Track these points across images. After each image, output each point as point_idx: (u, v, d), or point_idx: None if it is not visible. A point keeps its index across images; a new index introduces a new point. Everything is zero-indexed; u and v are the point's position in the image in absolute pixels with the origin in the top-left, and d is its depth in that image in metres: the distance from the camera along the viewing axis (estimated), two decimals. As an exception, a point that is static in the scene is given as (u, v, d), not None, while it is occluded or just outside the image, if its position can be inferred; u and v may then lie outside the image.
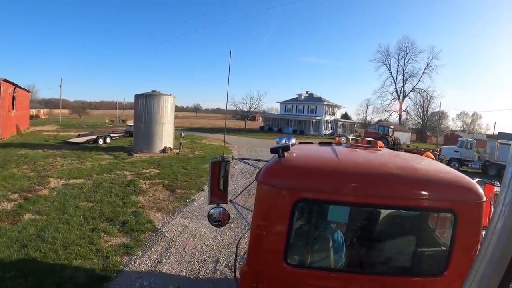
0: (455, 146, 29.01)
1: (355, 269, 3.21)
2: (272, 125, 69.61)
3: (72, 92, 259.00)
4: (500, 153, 25.04)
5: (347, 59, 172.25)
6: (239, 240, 4.80)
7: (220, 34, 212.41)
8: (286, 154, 3.07)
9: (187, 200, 11.83)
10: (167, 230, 9.12)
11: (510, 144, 23.61)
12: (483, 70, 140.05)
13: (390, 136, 45.13)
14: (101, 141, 26.98)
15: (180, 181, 14.45)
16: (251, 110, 76.05)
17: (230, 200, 4.00)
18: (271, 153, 3.12)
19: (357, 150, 3.88)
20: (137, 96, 23.75)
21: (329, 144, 4.26)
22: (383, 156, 3.70)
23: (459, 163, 26.65)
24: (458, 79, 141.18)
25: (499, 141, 25.69)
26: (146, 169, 17.05)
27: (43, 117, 76.68)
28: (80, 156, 20.00)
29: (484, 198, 2.79)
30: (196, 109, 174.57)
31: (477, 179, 3.29)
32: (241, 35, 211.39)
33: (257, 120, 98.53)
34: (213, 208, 3.89)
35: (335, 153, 3.44)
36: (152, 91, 24.10)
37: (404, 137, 56.86)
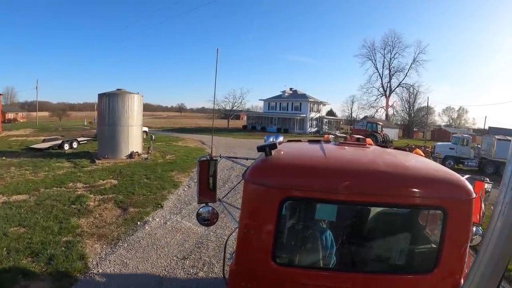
0: (449, 142, 27.13)
1: (345, 267, 3.15)
2: (256, 124, 67.48)
3: (56, 94, 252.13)
4: (498, 149, 23.26)
5: (330, 55, 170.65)
6: (227, 239, 4.57)
7: (204, 34, 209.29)
8: (273, 152, 3.02)
9: (139, 223, 9.44)
10: (100, 271, 6.82)
11: (509, 140, 21.93)
12: (474, 65, 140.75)
13: (379, 133, 43.22)
14: (66, 146, 24.27)
15: (137, 196, 12.03)
16: (234, 108, 73.49)
17: (219, 199, 3.86)
18: (258, 151, 3.06)
19: (346, 147, 3.85)
20: (100, 96, 21.10)
21: (318, 141, 4.19)
22: (372, 153, 3.68)
23: (454, 161, 24.84)
24: (448, 74, 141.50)
25: (497, 136, 23.86)
26: (103, 180, 14.63)
27: (21, 121, 73.79)
28: (36, 165, 17.57)
29: (474, 195, 2.76)
30: (180, 108, 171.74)
31: (467, 176, 3.19)
32: (224, 34, 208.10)
33: (242, 119, 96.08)
34: (202, 207, 3.77)
35: (323, 151, 3.43)
36: (117, 89, 21.48)
37: (392, 134, 55.19)
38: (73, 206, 10.83)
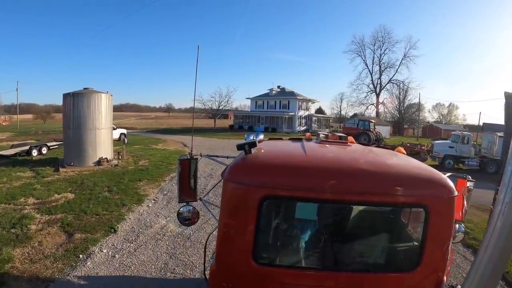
0: (448, 141, 25.42)
1: (327, 266, 3.09)
2: (243, 123, 65.52)
3: (44, 96, 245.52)
4: (500, 147, 21.64)
5: (318, 53, 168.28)
6: (207, 239, 4.27)
7: (192, 33, 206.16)
8: (253, 150, 3.00)
9: (81, 256, 7.37)
10: None
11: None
12: (469, 62, 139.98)
13: (372, 131, 41.33)
14: (35, 152, 21.98)
15: (90, 215, 9.89)
16: (221, 108, 71.40)
17: (200, 198, 3.79)
18: (238, 149, 3.02)
19: (327, 145, 3.81)
20: (65, 96, 18.70)
21: (299, 140, 4.18)
22: (353, 151, 3.63)
23: (454, 161, 23.14)
24: (442, 71, 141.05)
25: (499, 134, 22.18)
26: (59, 194, 12.44)
27: (3, 124, 72.23)
28: (-4, 175, 15.26)
29: (456, 193, 2.78)
30: (168, 109, 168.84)
31: (449, 174, 3.21)
32: (211, 32, 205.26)
33: (230, 118, 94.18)
34: (182, 206, 3.69)
35: (303, 149, 3.42)
36: (84, 88, 19.23)
37: (383, 131, 53.33)
38: (12, 230, 8.82)
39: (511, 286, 6.34)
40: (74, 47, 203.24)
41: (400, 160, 3.33)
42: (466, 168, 22.31)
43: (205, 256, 4.02)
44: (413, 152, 29.39)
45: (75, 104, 18.13)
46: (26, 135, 40.85)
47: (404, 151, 4.02)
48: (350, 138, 4.28)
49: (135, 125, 69.95)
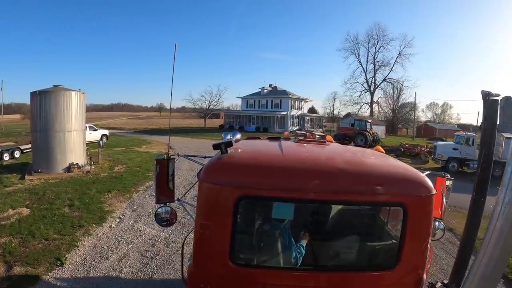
0: (451, 142, 23.90)
1: (305, 266, 3.03)
2: (233, 123, 63.74)
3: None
4: (506, 149, 20.12)
5: (311, 52, 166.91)
6: (184, 240, 4.26)
7: (184, 33, 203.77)
8: (229, 150, 2.95)
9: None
10: None
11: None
12: (466, 61, 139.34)
13: (369, 131, 39.46)
14: (6, 156, 20.26)
15: (37, 240, 8.00)
16: (211, 107, 69.50)
17: (178, 198, 3.74)
18: (214, 149, 2.96)
19: (305, 145, 3.79)
20: (32, 95, 16.72)
21: (277, 139, 4.16)
22: (331, 150, 3.61)
23: (458, 164, 21.60)
24: (438, 69, 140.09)
25: (505, 134, 20.61)
26: (14, 209, 10.54)
27: (-10, 125, 69.38)
28: (-44, 185, 13.39)
29: (434, 191, 2.77)
30: (160, 108, 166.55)
31: (427, 172, 3.23)
32: (203, 33, 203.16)
33: (222, 118, 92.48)
34: (160, 207, 3.60)
35: (280, 148, 3.37)
36: (54, 86, 17.23)
37: (379, 131, 51.56)
38: None
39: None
40: (70, 47, 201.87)
41: (377, 159, 3.33)
42: (471, 171, 20.95)
43: (182, 257, 3.99)
44: (412, 154, 28.00)
45: (42, 104, 16.21)
46: (7, 136, 38.43)
47: (383, 150, 3.99)
48: (328, 137, 4.28)
49: (125, 125, 68.06)
